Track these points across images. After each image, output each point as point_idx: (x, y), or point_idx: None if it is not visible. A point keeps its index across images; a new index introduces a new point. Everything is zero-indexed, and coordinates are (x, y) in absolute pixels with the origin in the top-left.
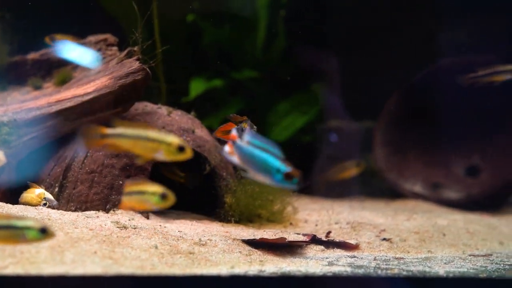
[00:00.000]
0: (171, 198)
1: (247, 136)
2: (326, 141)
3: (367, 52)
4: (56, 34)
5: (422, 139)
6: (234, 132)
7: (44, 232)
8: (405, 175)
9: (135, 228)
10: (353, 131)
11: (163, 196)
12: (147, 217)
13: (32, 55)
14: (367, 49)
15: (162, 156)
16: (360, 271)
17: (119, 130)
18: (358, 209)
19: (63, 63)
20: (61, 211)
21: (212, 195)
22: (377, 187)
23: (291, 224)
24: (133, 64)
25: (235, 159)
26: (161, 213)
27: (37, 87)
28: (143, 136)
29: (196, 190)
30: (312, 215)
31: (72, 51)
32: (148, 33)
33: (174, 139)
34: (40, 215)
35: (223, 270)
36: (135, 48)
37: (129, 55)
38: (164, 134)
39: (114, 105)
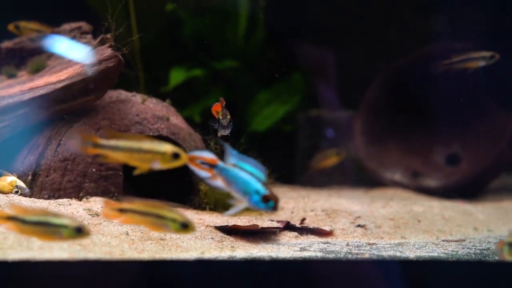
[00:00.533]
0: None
1: (232, 159)
2: (307, 130)
3: (350, 42)
4: (20, 22)
5: (402, 127)
6: (212, 157)
7: (80, 232)
8: (385, 164)
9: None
10: (335, 120)
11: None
12: None
13: (5, 44)
14: (351, 39)
15: (158, 165)
16: (331, 256)
17: (113, 142)
18: (335, 197)
19: (38, 52)
20: (33, 198)
21: (186, 183)
22: (356, 176)
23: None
24: (106, 51)
25: (219, 183)
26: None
27: (11, 76)
28: (136, 148)
29: (169, 178)
30: (289, 203)
31: (42, 40)
32: (126, 23)
33: (168, 148)
34: (11, 202)
35: (193, 256)
36: (108, 36)
37: (102, 43)
38: (157, 143)
39: (87, 92)
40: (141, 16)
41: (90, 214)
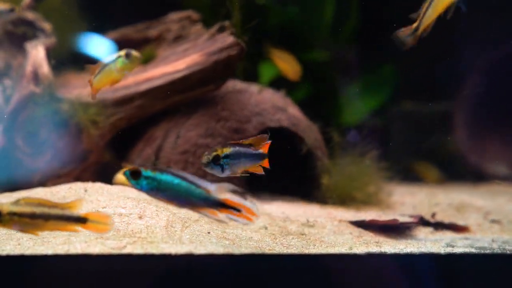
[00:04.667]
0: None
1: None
2: (400, 125)
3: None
4: None
5: (505, 120)
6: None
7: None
8: (488, 158)
9: None
10: (427, 114)
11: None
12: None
13: (110, 35)
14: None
15: None
16: (488, 252)
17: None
18: (453, 193)
19: (143, 42)
20: None
21: (306, 177)
22: (457, 171)
23: (387, 206)
24: (227, 38)
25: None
26: (255, 195)
27: None
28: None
29: (288, 172)
30: (405, 197)
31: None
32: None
33: None
34: (140, 196)
35: (342, 251)
36: (226, 23)
37: (220, 31)
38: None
39: (206, 82)
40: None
41: None
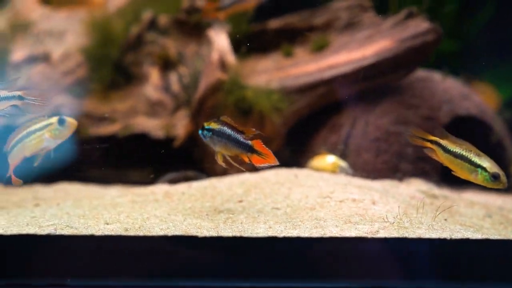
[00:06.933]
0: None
1: None
2: None
3: None
4: None
5: None
6: None
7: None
8: None
9: (446, 197)
10: None
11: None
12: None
13: (273, 23)
14: None
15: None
16: None
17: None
18: None
19: (309, 30)
20: (365, 179)
21: None
22: None
23: None
24: (421, 24)
25: None
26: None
27: (288, 54)
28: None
29: None
30: None
31: None
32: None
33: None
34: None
35: None
36: (414, 9)
37: (408, 17)
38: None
39: (397, 69)
40: None
41: (427, 196)
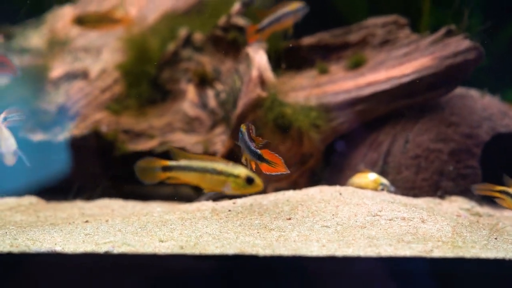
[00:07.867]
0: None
1: None
2: None
3: None
4: None
5: None
6: None
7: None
8: None
9: (490, 216)
10: None
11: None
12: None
13: (307, 40)
14: None
15: (229, 189)
16: None
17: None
18: None
19: (343, 47)
20: (407, 197)
21: None
22: None
23: None
24: (462, 42)
25: None
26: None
27: (324, 71)
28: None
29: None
30: None
31: None
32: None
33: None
34: (391, 199)
35: None
36: (452, 27)
37: (447, 35)
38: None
39: (436, 86)
40: None
41: (472, 215)
